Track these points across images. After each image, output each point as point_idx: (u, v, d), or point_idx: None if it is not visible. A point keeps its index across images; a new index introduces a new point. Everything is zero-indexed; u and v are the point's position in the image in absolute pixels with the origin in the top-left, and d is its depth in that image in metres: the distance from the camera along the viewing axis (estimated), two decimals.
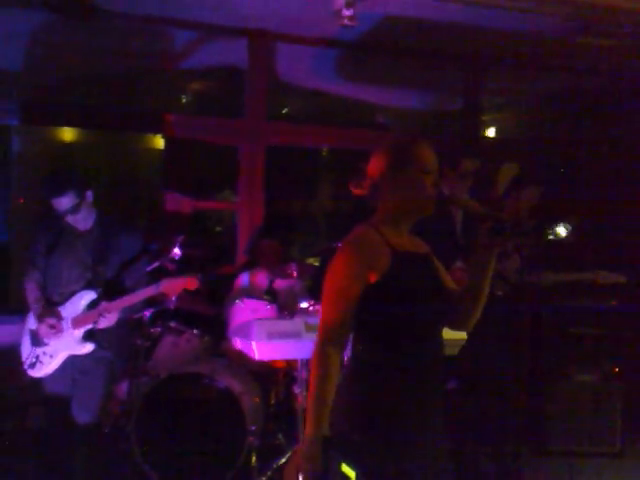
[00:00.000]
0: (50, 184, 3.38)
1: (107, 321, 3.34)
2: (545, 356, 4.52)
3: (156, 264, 4.01)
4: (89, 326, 3.38)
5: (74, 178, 3.41)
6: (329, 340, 2.08)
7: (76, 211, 3.38)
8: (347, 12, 4.00)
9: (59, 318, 3.36)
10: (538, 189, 3.88)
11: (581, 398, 4.48)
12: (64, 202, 3.33)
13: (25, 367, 3.45)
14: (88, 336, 3.39)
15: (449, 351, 2.41)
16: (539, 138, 6.49)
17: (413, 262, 2.16)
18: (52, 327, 3.34)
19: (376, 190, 2.18)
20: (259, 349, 3.45)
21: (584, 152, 6.09)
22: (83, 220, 3.45)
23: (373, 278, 2.07)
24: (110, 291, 3.39)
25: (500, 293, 3.69)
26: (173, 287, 3.43)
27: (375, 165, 2.18)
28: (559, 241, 3.20)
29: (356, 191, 2.21)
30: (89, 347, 3.38)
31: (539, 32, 4.91)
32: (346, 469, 2.05)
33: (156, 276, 3.72)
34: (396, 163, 2.14)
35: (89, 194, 3.44)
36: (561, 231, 3.44)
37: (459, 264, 3.42)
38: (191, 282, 3.47)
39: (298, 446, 2.05)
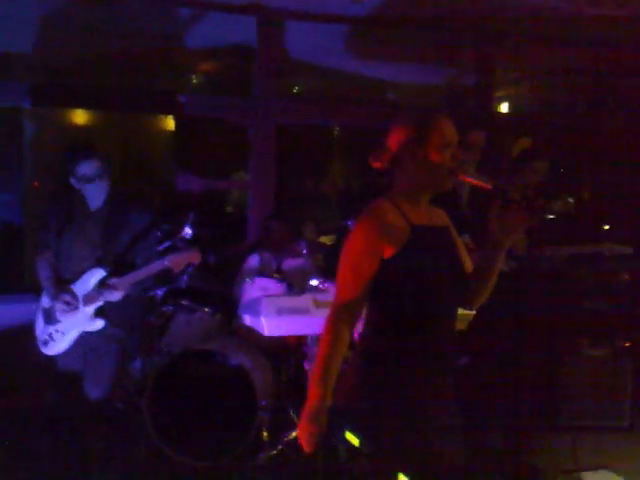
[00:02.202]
0: (75, 152, 3.45)
1: (113, 296, 3.39)
2: (556, 331, 4.51)
3: (167, 243, 4.04)
4: (99, 303, 3.43)
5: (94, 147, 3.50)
6: (341, 315, 2.10)
7: (102, 176, 3.44)
8: None
9: (73, 295, 3.42)
10: (546, 164, 3.84)
11: (592, 373, 4.47)
12: (93, 165, 3.41)
13: (39, 344, 3.53)
14: (98, 313, 3.45)
15: (458, 326, 2.42)
16: (552, 114, 6.41)
17: (431, 236, 2.15)
18: (68, 304, 3.39)
19: (396, 164, 2.17)
20: (268, 325, 3.49)
21: (598, 128, 6.01)
22: (99, 192, 3.49)
23: (389, 252, 2.06)
24: (120, 269, 3.44)
25: (506, 269, 3.67)
26: (177, 261, 3.49)
27: (395, 138, 2.17)
28: (565, 214, 3.15)
29: (375, 165, 2.20)
30: (99, 324, 3.44)
31: (553, 6, 4.84)
32: (350, 436, 2.09)
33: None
34: (417, 136, 2.12)
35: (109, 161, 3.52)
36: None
37: (466, 238, 3.39)
38: (194, 256, 3.55)
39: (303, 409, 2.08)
